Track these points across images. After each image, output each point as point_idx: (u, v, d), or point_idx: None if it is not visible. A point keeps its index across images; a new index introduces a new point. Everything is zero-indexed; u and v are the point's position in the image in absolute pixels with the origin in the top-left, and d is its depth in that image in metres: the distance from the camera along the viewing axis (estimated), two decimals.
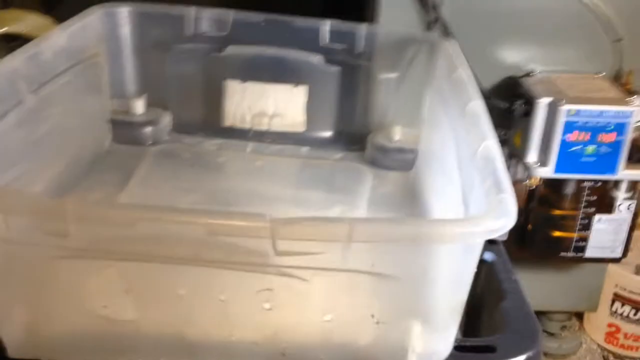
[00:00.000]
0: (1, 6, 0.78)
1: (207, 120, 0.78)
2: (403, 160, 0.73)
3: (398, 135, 0.74)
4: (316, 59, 0.75)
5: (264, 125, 0.77)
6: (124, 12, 0.73)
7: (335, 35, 0.74)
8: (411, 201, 0.67)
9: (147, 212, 0.33)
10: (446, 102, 0.61)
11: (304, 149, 0.77)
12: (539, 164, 0.74)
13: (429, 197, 0.64)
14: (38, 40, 0.58)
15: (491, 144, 0.44)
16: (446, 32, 0.76)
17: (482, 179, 0.41)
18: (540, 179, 0.75)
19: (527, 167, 0.75)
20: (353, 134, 0.77)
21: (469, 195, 0.44)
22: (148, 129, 0.75)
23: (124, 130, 0.75)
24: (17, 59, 0.53)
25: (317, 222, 0.33)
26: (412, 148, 0.73)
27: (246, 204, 0.63)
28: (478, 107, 0.52)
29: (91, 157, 0.69)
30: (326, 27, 0.74)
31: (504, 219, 0.34)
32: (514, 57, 0.80)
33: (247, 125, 0.77)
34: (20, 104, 0.53)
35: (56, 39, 0.61)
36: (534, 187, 0.75)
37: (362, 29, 0.74)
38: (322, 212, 0.64)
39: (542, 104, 0.72)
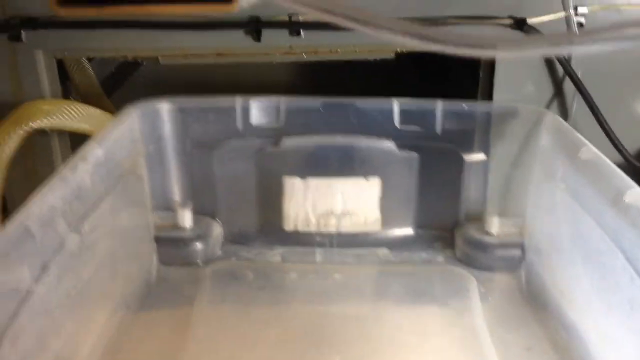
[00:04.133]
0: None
1: (264, 227, 0.67)
2: (508, 259, 0.61)
3: (495, 227, 0.63)
4: (388, 144, 0.64)
5: (332, 226, 0.66)
6: (164, 110, 0.63)
7: (408, 116, 0.64)
8: (539, 314, 0.54)
9: None
10: (571, 187, 0.50)
11: (382, 252, 0.65)
12: None
13: (566, 308, 0.52)
14: (73, 162, 0.47)
15: None
16: (578, 89, 0.64)
17: None
18: None
19: None
20: (439, 228, 0.66)
21: None
22: (198, 245, 0.64)
23: (171, 248, 0.63)
24: (53, 193, 0.42)
25: None
26: (516, 242, 0.61)
27: (343, 337, 0.51)
28: None
29: (140, 292, 0.57)
30: (396, 107, 0.64)
31: None
32: None
33: (312, 229, 0.66)
34: (62, 248, 0.42)
35: (93, 157, 0.50)
36: None
37: (438, 106, 0.64)
38: (432, 338, 0.51)
39: None
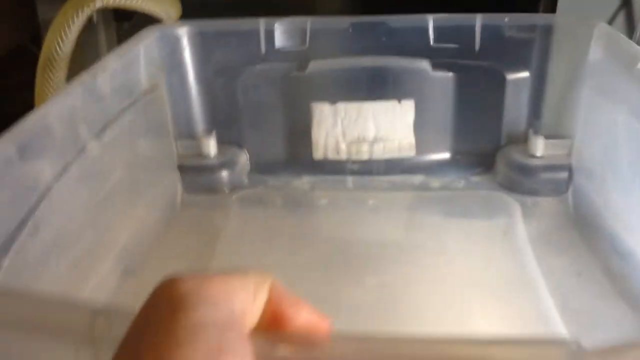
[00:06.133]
0: None
1: (292, 155, 0.63)
2: (553, 182, 0.57)
3: (540, 149, 0.59)
4: (422, 64, 0.60)
5: (364, 154, 0.62)
6: (182, 33, 0.59)
7: (443, 32, 0.59)
8: (589, 240, 0.50)
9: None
10: (635, 105, 0.46)
11: (418, 178, 0.62)
12: None
13: (621, 233, 0.48)
14: (93, 69, 0.44)
15: None
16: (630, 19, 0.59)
17: None
18: None
19: None
20: (477, 152, 0.62)
21: None
22: (224, 173, 0.61)
23: (196, 177, 0.60)
24: (74, 95, 0.39)
25: None
26: (563, 164, 0.57)
27: (378, 261, 0.48)
28: None
29: (163, 216, 0.54)
30: (429, 23, 0.59)
31: None
32: None
33: (343, 156, 0.62)
34: (83, 153, 0.39)
35: (113, 69, 0.46)
36: None
37: (476, 20, 0.59)
38: (473, 264, 0.48)
39: None
